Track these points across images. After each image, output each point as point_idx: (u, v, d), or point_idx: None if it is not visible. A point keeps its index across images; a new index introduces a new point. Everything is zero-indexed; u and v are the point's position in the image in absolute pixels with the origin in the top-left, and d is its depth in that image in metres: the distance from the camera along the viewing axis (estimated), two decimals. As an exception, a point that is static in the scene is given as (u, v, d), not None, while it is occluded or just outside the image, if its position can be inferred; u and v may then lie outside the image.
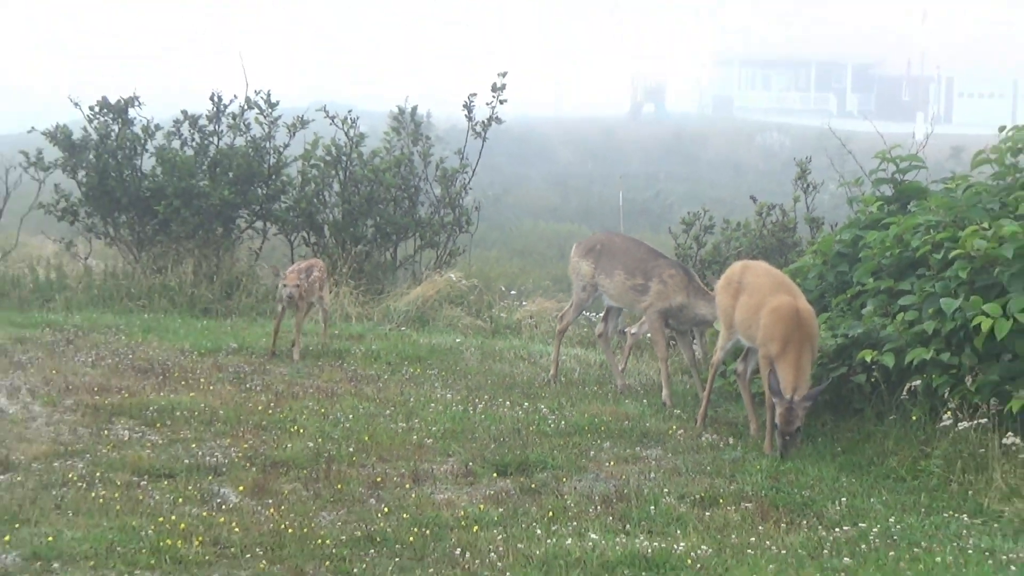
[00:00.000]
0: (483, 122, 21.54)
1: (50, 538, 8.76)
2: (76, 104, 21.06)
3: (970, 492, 10.72)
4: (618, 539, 9.21)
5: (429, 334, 17.91)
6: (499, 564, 8.65)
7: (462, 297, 20.69)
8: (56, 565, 8.37)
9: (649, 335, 15.36)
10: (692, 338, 14.37)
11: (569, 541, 9.12)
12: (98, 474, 10.38)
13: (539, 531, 9.38)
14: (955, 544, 9.50)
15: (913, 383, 12.33)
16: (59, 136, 20.71)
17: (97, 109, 20.90)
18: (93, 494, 9.86)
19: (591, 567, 8.62)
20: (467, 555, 8.80)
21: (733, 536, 9.51)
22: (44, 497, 9.75)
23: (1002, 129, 14.77)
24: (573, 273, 14.91)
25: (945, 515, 10.22)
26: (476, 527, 9.38)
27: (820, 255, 14.67)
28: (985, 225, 12.23)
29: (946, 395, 11.97)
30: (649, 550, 8.97)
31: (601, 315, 15.17)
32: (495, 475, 10.91)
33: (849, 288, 13.86)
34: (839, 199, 17.25)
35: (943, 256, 12.69)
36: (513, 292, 22.03)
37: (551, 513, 9.86)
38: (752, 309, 12.25)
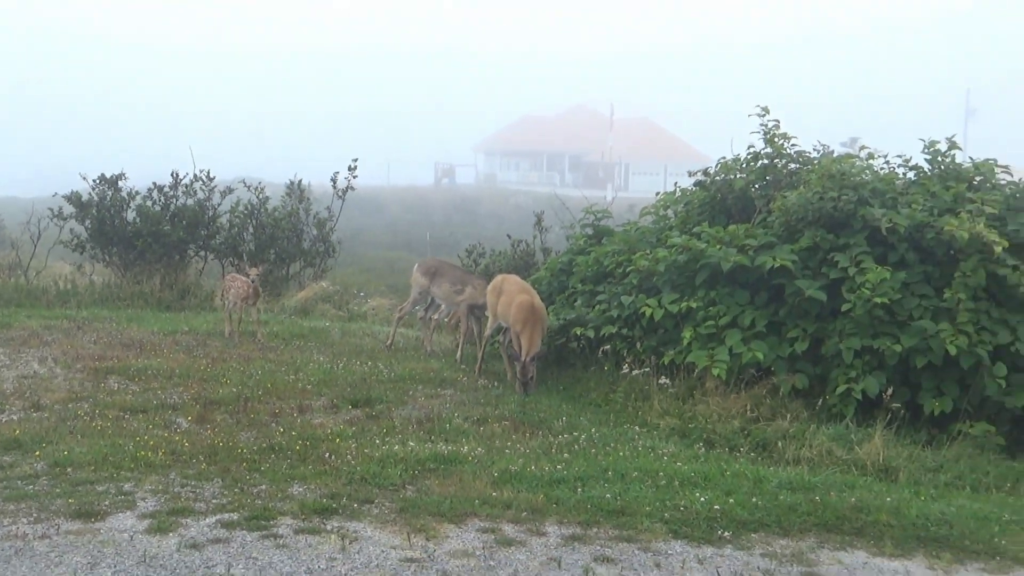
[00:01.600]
0: (343, 189, 21.45)
1: (65, 452, 8.57)
2: (84, 177, 20.58)
3: (640, 413, 10.92)
4: (426, 445, 9.22)
5: (309, 320, 17.71)
6: (353, 462, 8.62)
7: (330, 297, 20.57)
8: (69, 470, 8.19)
9: (446, 319, 15.40)
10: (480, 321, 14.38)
11: (396, 447, 9.11)
12: (97, 411, 10.12)
13: (378, 441, 9.35)
14: (631, 444, 9.70)
15: (605, 347, 12.47)
16: (73, 198, 20.20)
17: (98, 180, 20.41)
18: (94, 424, 9.64)
19: (410, 462, 8.63)
20: (333, 457, 8.76)
21: (497, 442, 9.57)
22: (62, 426, 9.51)
23: (657, 194, 15.15)
24: (414, 283, 14.80)
25: (625, 427, 10.41)
26: (338, 439, 9.31)
27: (549, 270, 14.83)
28: (648, 252, 12.47)
29: (625, 354, 12.17)
30: (445, 451, 9.01)
31: (422, 308, 15.14)
32: (351, 407, 10.78)
33: (567, 290, 14.02)
34: (561, 236, 17.38)
35: (622, 270, 12.94)
36: (362, 294, 21.89)
37: (385, 430, 9.82)
38: (507, 304, 12.33)
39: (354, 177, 21.52)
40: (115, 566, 6.46)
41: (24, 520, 7.11)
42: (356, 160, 21.40)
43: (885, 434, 9.92)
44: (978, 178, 12.48)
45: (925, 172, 12.84)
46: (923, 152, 13.00)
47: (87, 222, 20.26)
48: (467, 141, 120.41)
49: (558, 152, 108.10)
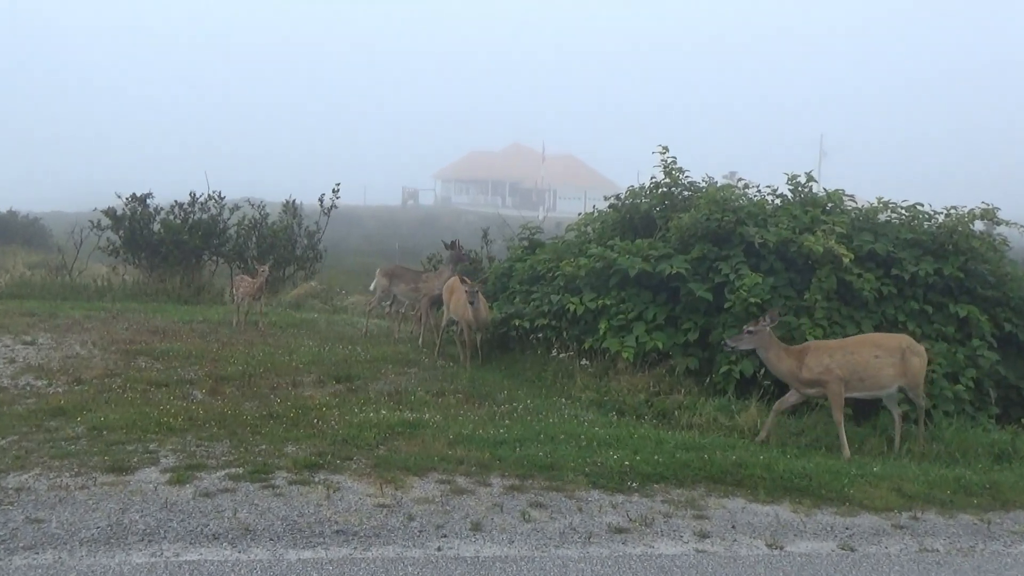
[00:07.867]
0: (328, 207, 21.23)
1: (101, 418, 8.34)
2: (119, 196, 20.23)
3: (565, 387, 10.85)
4: (396, 413, 9.08)
5: (301, 312, 17.50)
6: (336, 426, 8.45)
7: (317, 294, 20.38)
8: (104, 432, 7.96)
9: (412, 312, 15.24)
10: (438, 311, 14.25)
11: (371, 414, 8.95)
12: (128, 385, 9.87)
13: (356, 410, 9.18)
14: (558, 413, 9.64)
15: (538, 335, 12.42)
16: (109, 213, 19.84)
17: (130, 198, 20.07)
18: (125, 395, 9.42)
19: (382, 427, 8.47)
20: (320, 422, 8.58)
21: (452, 410, 9.46)
22: (98, 397, 9.27)
23: (579, 215, 15.06)
24: (378, 284, 14.73)
25: (554, 399, 10.34)
26: (324, 408, 9.14)
27: (494, 274, 14.73)
28: (572, 260, 12.42)
29: (553, 341, 12.12)
30: (411, 418, 8.88)
31: (388, 303, 15.02)
32: (334, 382, 10.61)
33: (508, 290, 13.93)
34: (502, 248, 17.31)
35: (552, 275, 12.88)
36: (343, 291, 21.67)
37: (362, 401, 9.66)
38: (457, 301, 12.25)
39: (337, 198, 21.30)
40: (142, 511, 6.30)
41: (67, 473, 6.92)
42: (339, 184, 21.21)
43: (759, 405, 9.96)
44: (830, 204, 12.57)
45: (788, 199, 12.91)
46: (787, 183, 13.10)
47: (121, 232, 19.90)
48: (427, 170, 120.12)
49: (500, 180, 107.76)
